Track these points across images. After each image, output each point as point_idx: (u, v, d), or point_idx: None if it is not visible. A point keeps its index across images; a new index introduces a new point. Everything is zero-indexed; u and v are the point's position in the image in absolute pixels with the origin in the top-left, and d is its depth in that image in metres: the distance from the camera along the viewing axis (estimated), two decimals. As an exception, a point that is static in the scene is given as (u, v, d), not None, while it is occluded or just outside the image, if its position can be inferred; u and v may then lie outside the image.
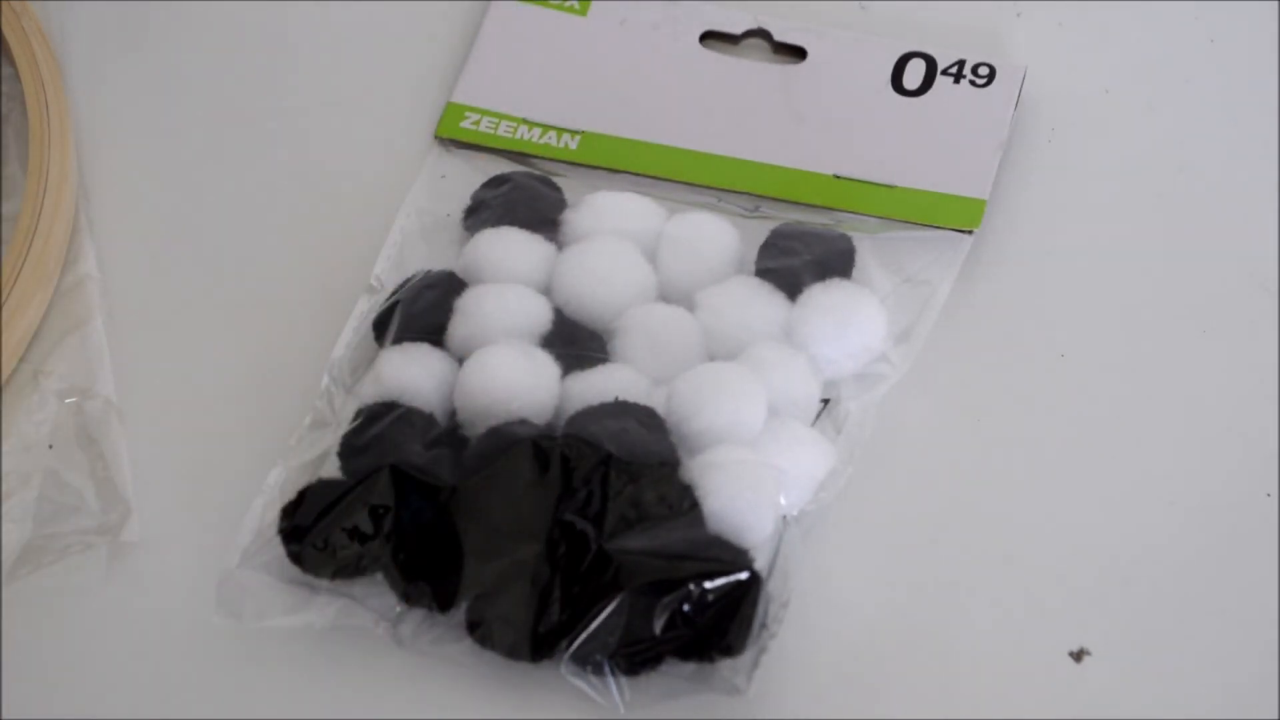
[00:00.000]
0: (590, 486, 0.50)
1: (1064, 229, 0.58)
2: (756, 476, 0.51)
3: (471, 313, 0.55)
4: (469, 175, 0.60)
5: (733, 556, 0.50)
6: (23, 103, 0.59)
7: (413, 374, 0.54)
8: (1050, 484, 0.54)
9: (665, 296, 0.56)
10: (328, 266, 0.58)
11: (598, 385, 0.53)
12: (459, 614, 0.50)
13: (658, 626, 0.49)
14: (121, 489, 0.53)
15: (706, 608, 0.49)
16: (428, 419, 0.53)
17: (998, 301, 0.57)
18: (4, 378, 0.54)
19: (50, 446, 0.53)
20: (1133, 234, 0.58)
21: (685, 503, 0.50)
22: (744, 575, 0.49)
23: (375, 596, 0.51)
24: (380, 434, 0.52)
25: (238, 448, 0.55)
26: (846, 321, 0.55)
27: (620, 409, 0.52)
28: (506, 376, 0.53)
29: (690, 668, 0.49)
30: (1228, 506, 0.53)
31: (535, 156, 0.60)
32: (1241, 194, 0.59)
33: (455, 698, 0.50)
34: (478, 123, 0.61)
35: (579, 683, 0.49)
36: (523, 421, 0.52)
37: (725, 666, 0.49)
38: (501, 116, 0.61)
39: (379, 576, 0.51)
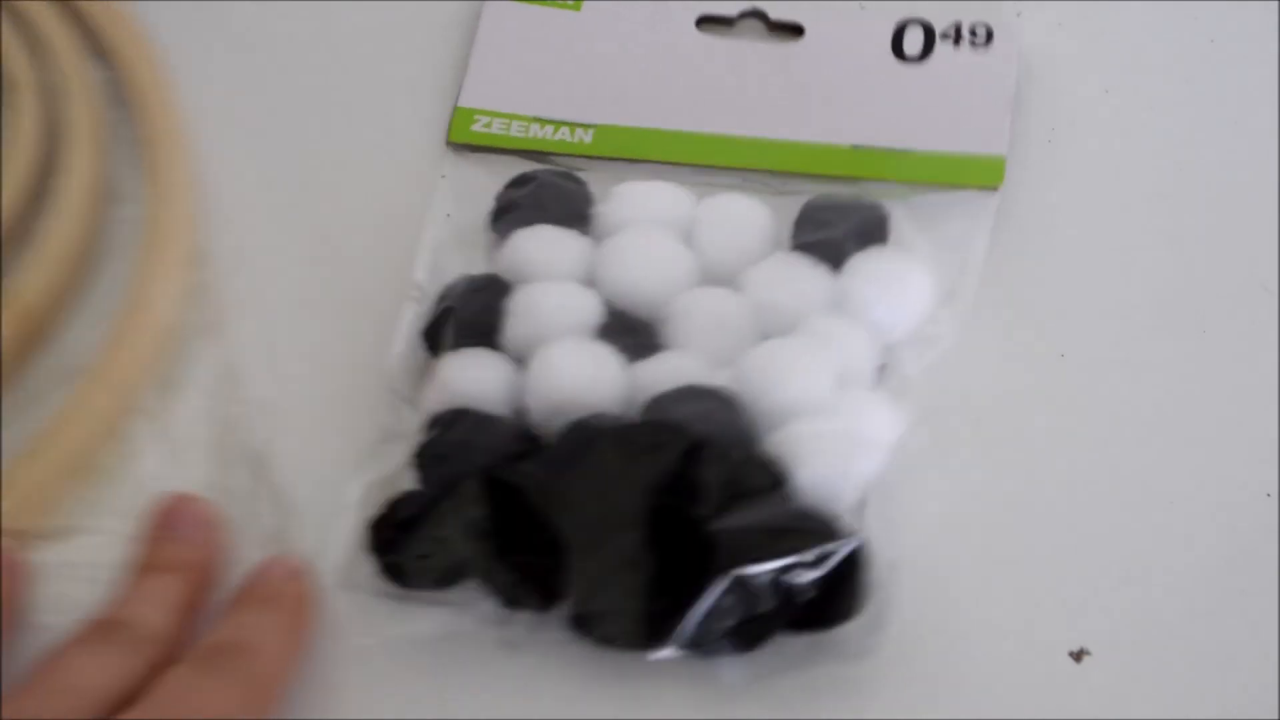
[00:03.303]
0: (684, 470, 0.50)
1: (1064, 230, 0.58)
2: (838, 444, 0.52)
3: (526, 313, 0.55)
4: (485, 178, 0.60)
5: (831, 525, 0.50)
6: (129, 106, 0.59)
7: (476, 378, 0.53)
8: (1059, 476, 0.54)
9: (707, 279, 0.56)
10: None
11: (663, 372, 0.53)
12: (564, 610, 0.50)
13: (769, 602, 0.49)
14: (288, 495, 0.52)
15: (816, 578, 0.49)
16: (501, 421, 0.53)
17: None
18: (138, 384, 0.54)
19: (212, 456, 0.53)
20: (1133, 234, 0.58)
21: (776, 478, 0.51)
22: (850, 542, 0.50)
23: (475, 602, 0.51)
24: (458, 440, 0.52)
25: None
26: (895, 287, 0.55)
27: (696, 392, 0.52)
28: (576, 371, 0.53)
29: (809, 639, 0.49)
30: (1228, 506, 0.53)
31: (552, 154, 0.60)
32: (1242, 194, 0.59)
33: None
34: (489, 125, 0.61)
35: (693, 666, 0.49)
36: (601, 413, 0.52)
37: (851, 631, 0.49)
38: (512, 117, 0.61)
39: (475, 583, 0.51)
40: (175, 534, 0.51)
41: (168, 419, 0.55)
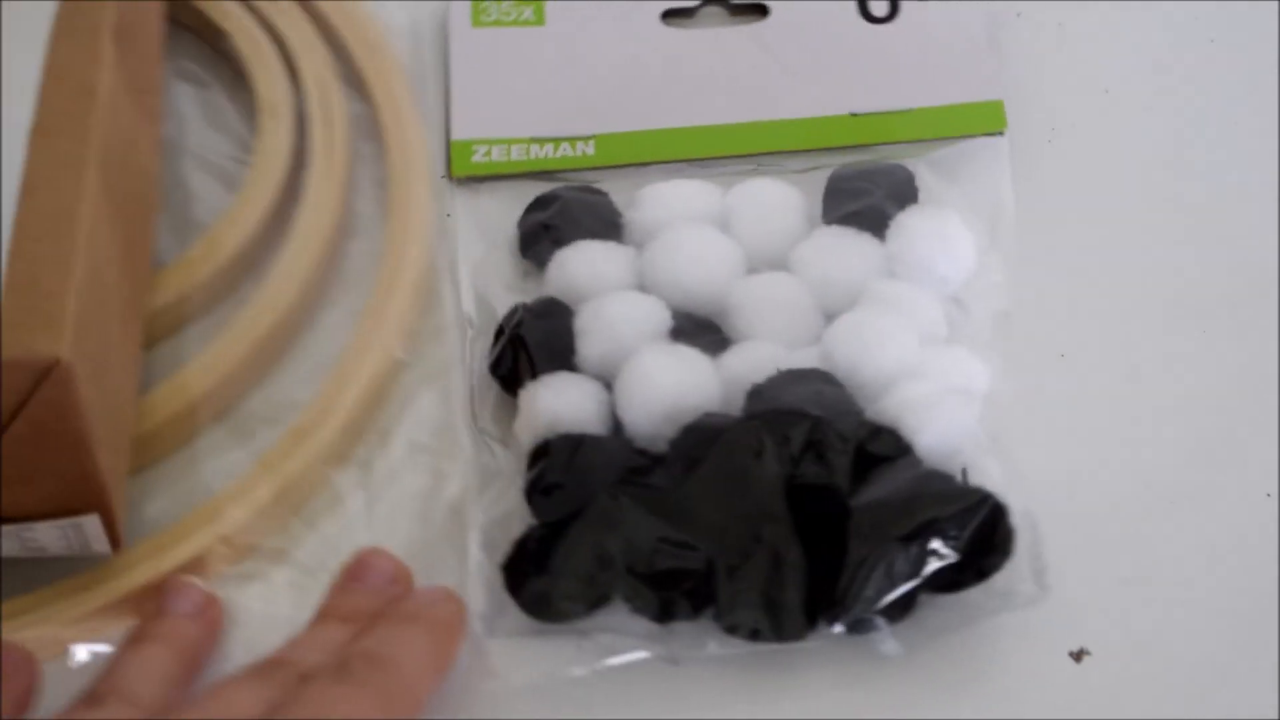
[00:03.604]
0: (810, 453, 0.50)
1: (1064, 229, 0.59)
2: (948, 402, 0.52)
3: (598, 329, 0.54)
4: (497, 206, 0.59)
5: (964, 483, 0.51)
6: (376, 140, 0.59)
7: (571, 403, 0.53)
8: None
9: (754, 266, 0.56)
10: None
11: (749, 362, 0.53)
12: (716, 614, 0.50)
13: (919, 568, 0.50)
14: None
15: (961, 536, 0.50)
16: (607, 441, 0.52)
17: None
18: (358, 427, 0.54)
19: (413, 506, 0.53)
20: (1133, 234, 0.59)
21: (900, 446, 0.51)
22: (986, 494, 0.50)
23: (625, 624, 0.50)
24: (569, 467, 0.52)
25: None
26: (944, 241, 0.56)
27: (797, 375, 0.52)
28: (672, 377, 0.52)
29: (971, 596, 0.50)
30: (1228, 506, 0.54)
31: (558, 171, 0.60)
32: (1241, 194, 0.59)
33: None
34: (489, 153, 0.60)
35: (852, 645, 0.49)
36: (711, 413, 0.52)
37: (1007, 579, 0.50)
38: (509, 141, 0.60)
39: (620, 604, 0.50)
40: (363, 585, 0.50)
41: (376, 466, 0.54)
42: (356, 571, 0.51)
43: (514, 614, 0.50)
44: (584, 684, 0.50)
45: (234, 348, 0.54)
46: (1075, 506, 0.53)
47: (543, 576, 0.50)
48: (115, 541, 0.50)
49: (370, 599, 0.50)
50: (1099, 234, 0.59)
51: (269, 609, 0.51)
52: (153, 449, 0.53)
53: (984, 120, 0.59)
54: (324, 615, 0.50)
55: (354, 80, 0.60)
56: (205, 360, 0.54)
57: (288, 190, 0.57)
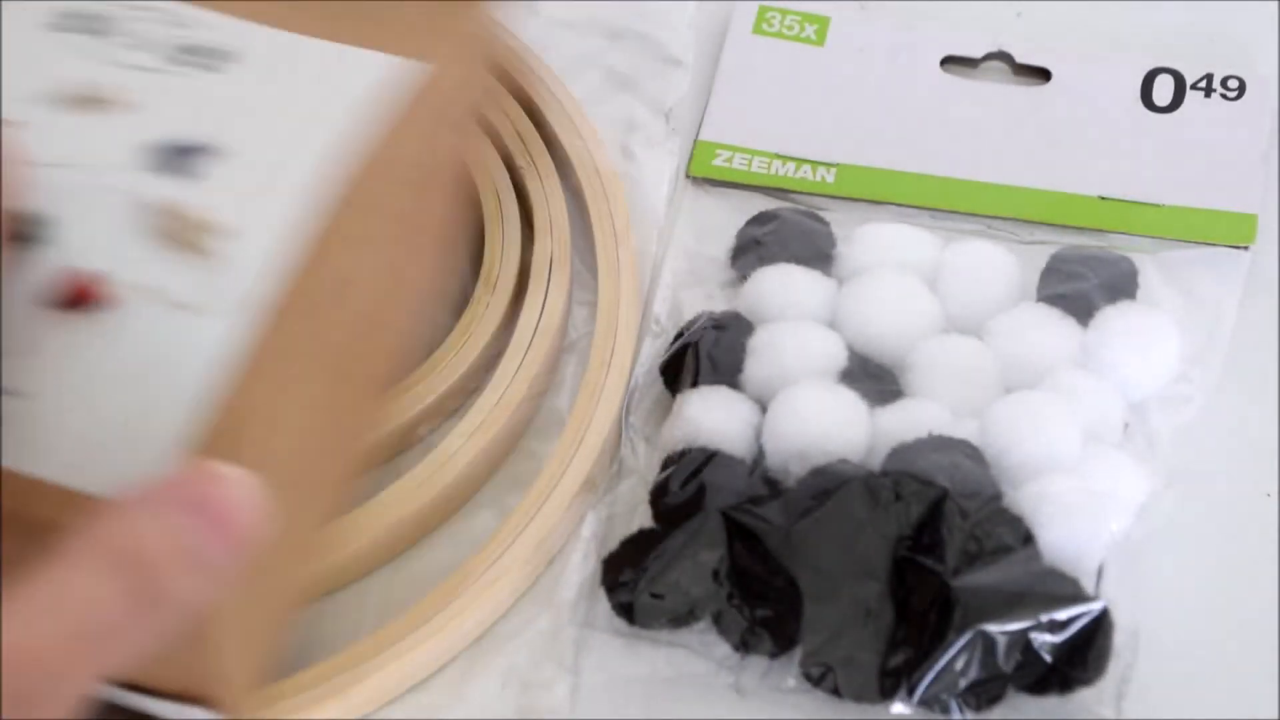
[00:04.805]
0: (928, 523, 0.50)
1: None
2: (1088, 505, 0.51)
3: (769, 353, 0.54)
4: (723, 213, 0.59)
5: (1074, 588, 0.49)
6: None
7: (716, 418, 0.53)
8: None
9: (951, 326, 0.55)
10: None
11: (908, 420, 0.52)
12: (797, 657, 0.49)
13: (1008, 662, 0.48)
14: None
15: (1058, 641, 0.48)
16: (740, 463, 0.52)
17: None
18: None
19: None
20: None
21: (1023, 535, 0.50)
22: (1096, 605, 0.49)
23: (707, 645, 0.50)
24: (696, 480, 0.52)
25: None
26: (1145, 343, 0.54)
27: (942, 443, 0.51)
28: (820, 416, 0.52)
29: (1048, 702, 0.49)
30: (1228, 506, 0.53)
31: (793, 192, 0.60)
32: None
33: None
34: (730, 160, 0.60)
35: (927, 721, 0.49)
36: (844, 460, 0.51)
37: (1090, 697, 0.48)
38: (753, 153, 0.60)
39: (705, 624, 0.50)
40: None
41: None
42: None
43: (603, 610, 0.51)
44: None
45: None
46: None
47: (639, 580, 0.50)
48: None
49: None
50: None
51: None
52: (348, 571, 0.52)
53: (1232, 231, 0.57)
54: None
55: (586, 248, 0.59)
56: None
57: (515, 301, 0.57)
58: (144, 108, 0.47)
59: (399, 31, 0.49)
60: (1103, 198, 0.59)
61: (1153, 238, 0.58)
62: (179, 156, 0.46)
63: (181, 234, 0.45)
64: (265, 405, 0.43)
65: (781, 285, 0.56)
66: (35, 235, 0.44)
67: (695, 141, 0.61)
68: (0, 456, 0.42)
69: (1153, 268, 0.56)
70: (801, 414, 0.52)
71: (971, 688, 0.48)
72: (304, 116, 0.47)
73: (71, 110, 0.46)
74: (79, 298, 0.44)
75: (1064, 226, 0.58)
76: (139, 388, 0.43)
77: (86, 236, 0.45)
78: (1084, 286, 0.55)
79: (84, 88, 0.47)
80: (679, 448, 0.53)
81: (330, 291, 0.46)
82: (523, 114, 0.60)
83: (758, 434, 0.53)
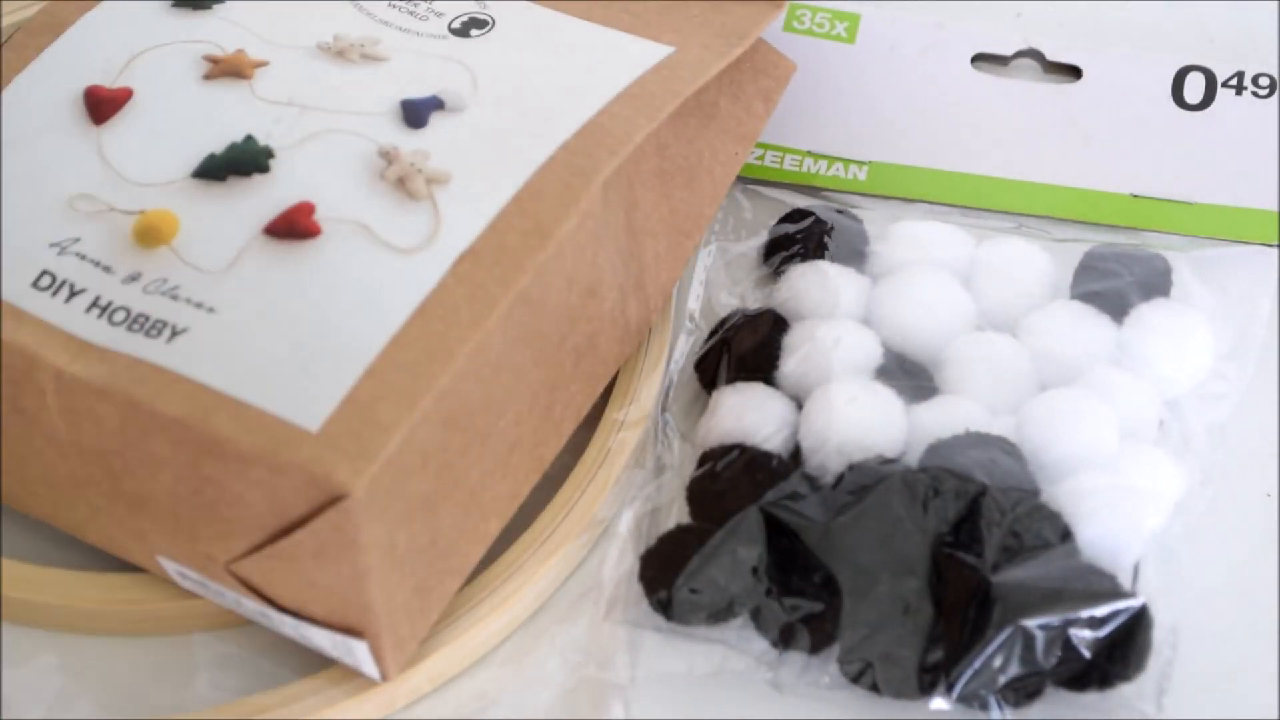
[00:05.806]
0: (967, 519, 0.50)
1: None
2: (1125, 502, 0.51)
3: (805, 350, 0.54)
4: (755, 210, 0.59)
5: (1113, 584, 0.49)
6: None
7: (752, 415, 0.53)
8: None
9: (985, 324, 0.55)
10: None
11: (944, 417, 0.52)
12: (835, 654, 0.50)
13: (1047, 658, 0.48)
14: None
15: (1097, 637, 0.48)
16: (777, 459, 0.52)
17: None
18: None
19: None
20: None
21: (1061, 532, 0.50)
22: (1135, 602, 0.49)
23: (744, 641, 0.50)
24: (732, 476, 0.52)
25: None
26: (1181, 341, 0.54)
27: (980, 440, 0.51)
28: (857, 413, 0.52)
29: (1087, 698, 0.49)
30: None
31: (825, 189, 0.60)
32: None
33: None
34: (762, 157, 0.60)
35: (965, 717, 0.49)
36: (882, 457, 0.51)
37: (1131, 693, 0.48)
38: (786, 150, 0.60)
39: (743, 620, 0.50)
40: None
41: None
42: None
43: (641, 605, 0.51)
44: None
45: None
46: (1223, 641, 0.51)
47: (678, 576, 0.50)
48: (384, 673, 0.48)
49: None
50: None
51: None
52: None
53: (1260, 228, 0.57)
54: None
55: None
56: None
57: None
58: (393, 63, 0.51)
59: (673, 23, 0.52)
60: (1134, 195, 0.59)
61: (1184, 235, 0.58)
62: (418, 109, 0.50)
63: (405, 181, 0.48)
64: (462, 353, 0.46)
65: (816, 282, 0.56)
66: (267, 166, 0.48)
67: (728, 139, 0.60)
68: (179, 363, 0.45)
69: (1186, 265, 0.56)
70: (837, 409, 0.52)
71: (1010, 684, 0.48)
72: (549, 87, 0.50)
73: (331, 59, 0.51)
74: (297, 227, 0.47)
75: (1096, 224, 0.58)
76: (335, 317, 0.46)
77: (317, 172, 0.48)
78: (1119, 284, 0.55)
79: (341, 41, 0.51)
80: (715, 444, 0.53)
81: (549, 264, 0.48)
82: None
83: (794, 431, 0.53)
